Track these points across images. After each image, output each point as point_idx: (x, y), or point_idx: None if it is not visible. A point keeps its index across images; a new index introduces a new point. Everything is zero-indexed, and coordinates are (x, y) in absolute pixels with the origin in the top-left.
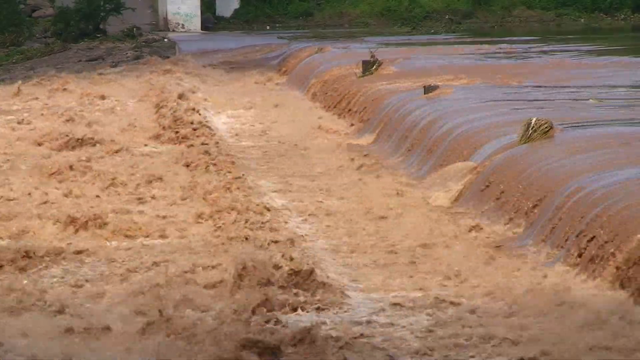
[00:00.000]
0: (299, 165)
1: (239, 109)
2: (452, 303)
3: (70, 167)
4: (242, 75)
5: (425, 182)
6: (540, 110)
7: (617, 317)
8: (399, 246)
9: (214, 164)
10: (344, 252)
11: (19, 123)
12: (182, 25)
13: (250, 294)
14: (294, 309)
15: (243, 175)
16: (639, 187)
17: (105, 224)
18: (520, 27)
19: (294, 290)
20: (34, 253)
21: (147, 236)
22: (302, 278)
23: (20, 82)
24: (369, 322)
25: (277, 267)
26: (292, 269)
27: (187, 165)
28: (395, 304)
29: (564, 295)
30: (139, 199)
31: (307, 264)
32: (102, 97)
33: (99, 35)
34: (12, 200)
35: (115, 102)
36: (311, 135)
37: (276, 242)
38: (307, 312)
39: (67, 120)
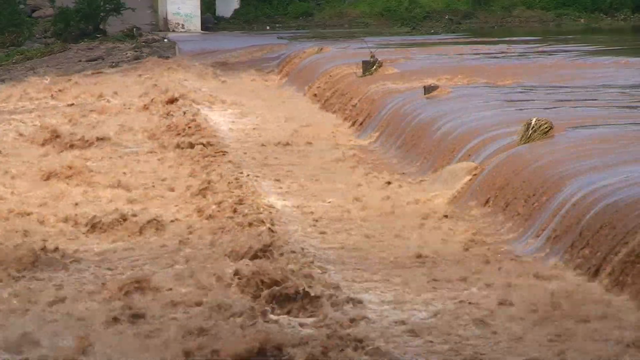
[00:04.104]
0: (299, 164)
1: (238, 109)
2: None
3: (71, 167)
4: (242, 75)
5: (425, 181)
6: (540, 110)
7: None
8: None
9: (213, 163)
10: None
11: (19, 122)
12: (182, 25)
13: None
14: None
15: (244, 174)
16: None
17: (109, 223)
18: (520, 27)
19: None
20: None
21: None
22: None
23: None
24: None
25: None
26: None
27: (185, 164)
28: None
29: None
30: (137, 197)
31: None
32: (102, 97)
33: (99, 36)
34: (14, 199)
35: (115, 102)
36: (311, 135)
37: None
38: None
39: (67, 121)
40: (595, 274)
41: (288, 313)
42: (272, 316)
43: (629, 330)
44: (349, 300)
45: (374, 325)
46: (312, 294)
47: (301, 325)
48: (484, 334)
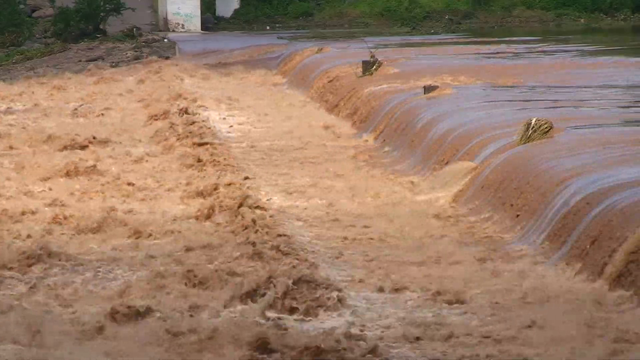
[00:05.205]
0: (298, 164)
1: (238, 109)
2: None
3: (71, 168)
4: (242, 75)
5: (424, 182)
6: (541, 110)
7: None
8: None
9: (213, 163)
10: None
11: (18, 122)
12: (182, 25)
13: None
14: None
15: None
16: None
17: (110, 223)
18: (520, 27)
19: None
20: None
21: None
22: None
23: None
24: None
25: None
26: None
27: (186, 164)
28: None
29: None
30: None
31: None
32: (102, 98)
33: (99, 36)
34: (14, 200)
35: (115, 102)
36: (311, 135)
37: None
38: None
39: (67, 121)
40: (597, 273)
41: None
42: None
43: None
44: None
45: None
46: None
47: None
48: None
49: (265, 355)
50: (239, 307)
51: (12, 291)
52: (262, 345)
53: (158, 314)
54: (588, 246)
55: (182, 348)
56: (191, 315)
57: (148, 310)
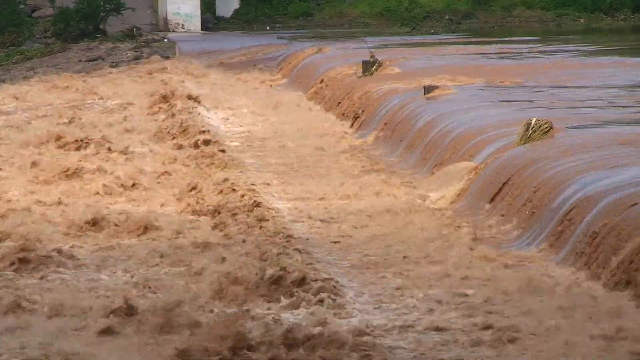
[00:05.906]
0: (298, 164)
1: (238, 108)
2: None
3: (70, 168)
4: (242, 75)
5: (424, 181)
6: (541, 110)
7: None
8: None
9: (211, 161)
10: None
11: (17, 122)
12: (182, 25)
13: None
14: None
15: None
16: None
17: (108, 223)
18: (520, 27)
19: None
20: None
21: None
22: None
23: None
24: None
25: None
26: None
27: (185, 163)
28: None
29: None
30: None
31: None
32: (102, 98)
33: (99, 36)
34: (11, 201)
35: (115, 102)
36: (310, 135)
37: None
38: None
39: (66, 121)
40: (597, 273)
41: None
42: None
43: None
44: None
45: None
46: None
47: None
48: None
49: None
50: None
51: None
52: None
53: None
54: (589, 245)
55: None
56: None
57: None
